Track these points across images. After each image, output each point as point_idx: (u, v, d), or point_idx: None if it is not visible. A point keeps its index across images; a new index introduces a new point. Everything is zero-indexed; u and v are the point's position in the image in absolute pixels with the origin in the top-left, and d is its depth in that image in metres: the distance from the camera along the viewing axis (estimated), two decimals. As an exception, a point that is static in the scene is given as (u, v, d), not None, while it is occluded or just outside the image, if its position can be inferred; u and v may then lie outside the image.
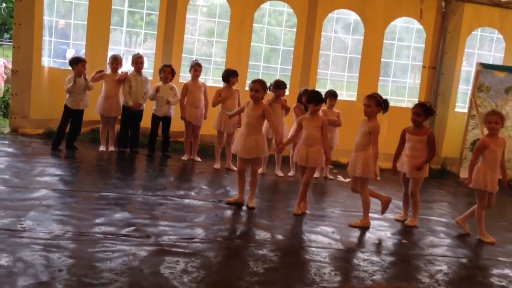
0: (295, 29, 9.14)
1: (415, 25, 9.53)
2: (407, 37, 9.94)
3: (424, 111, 5.82)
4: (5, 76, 9.96)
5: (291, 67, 9.14)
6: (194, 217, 5.25)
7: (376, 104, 5.62)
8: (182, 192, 6.13)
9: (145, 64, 8.45)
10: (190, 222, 5.09)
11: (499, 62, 9.61)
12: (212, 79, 8.67)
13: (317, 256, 4.59)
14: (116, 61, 7.94)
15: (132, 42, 9.80)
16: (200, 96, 7.89)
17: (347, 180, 7.69)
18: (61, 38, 9.56)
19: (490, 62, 9.51)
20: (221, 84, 7.87)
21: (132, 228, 4.69)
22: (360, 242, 5.20)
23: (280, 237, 5.04)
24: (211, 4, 10.34)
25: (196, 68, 7.85)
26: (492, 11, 9.48)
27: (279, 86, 7.33)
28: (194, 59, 8.20)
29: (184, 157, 7.97)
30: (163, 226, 4.86)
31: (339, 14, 9.49)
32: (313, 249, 4.77)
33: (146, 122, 7.98)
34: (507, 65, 9.33)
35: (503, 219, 6.59)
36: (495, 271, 4.75)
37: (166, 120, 7.98)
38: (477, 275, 4.65)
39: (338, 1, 9.12)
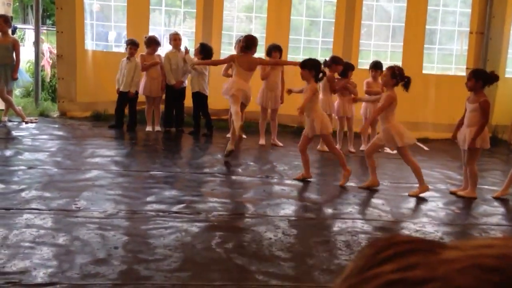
0: (335, 0, 8.95)
1: (461, -11, 9.18)
2: (452, 2, 9.59)
3: (474, 75, 5.58)
4: (50, 61, 10.19)
5: (332, 40, 8.98)
6: (243, 193, 5.28)
7: (391, 75, 5.53)
8: (229, 169, 6.17)
9: (186, 43, 8.46)
10: (239, 198, 5.12)
11: (551, 23, 9.16)
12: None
13: (368, 228, 4.54)
14: (153, 42, 7.99)
15: (171, 22, 9.82)
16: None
17: (394, 151, 7.56)
18: (101, 21, 9.68)
19: (541, 24, 9.08)
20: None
21: (182, 205, 4.76)
22: (412, 213, 5.13)
23: (329, 210, 5.01)
24: (248, -20, 10.25)
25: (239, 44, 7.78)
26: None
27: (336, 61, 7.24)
28: (240, 36, 8.12)
29: (229, 134, 7.98)
30: (212, 202, 4.91)
31: (381, -18, 9.23)
32: (363, 221, 4.73)
33: (188, 101, 8.03)
34: (560, 27, 8.89)
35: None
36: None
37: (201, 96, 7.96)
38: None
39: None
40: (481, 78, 5.57)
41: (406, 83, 5.57)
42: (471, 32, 9.10)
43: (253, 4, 9.38)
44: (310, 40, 9.42)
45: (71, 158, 6.16)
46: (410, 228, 4.65)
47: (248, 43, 6.56)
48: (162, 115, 8.17)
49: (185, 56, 7.66)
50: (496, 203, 5.53)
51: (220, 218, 4.51)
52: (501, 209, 5.37)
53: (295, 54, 8.75)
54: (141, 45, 7.95)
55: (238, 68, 6.52)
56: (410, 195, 5.52)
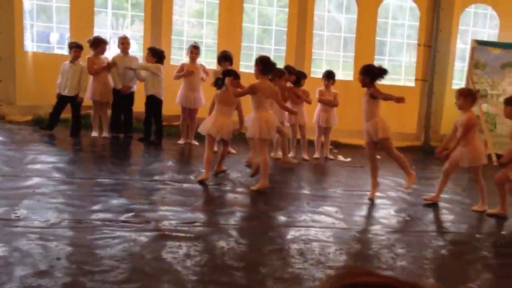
0: (287, 9, 8.97)
1: (408, 3, 9.39)
2: (401, 15, 9.81)
3: (461, 94, 5.56)
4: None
5: (285, 48, 8.98)
6: (195, 201, 5.12)
7: (364, 73, 5.50)
8: (180, 177, 5.99)
9: (134, 47, 8.25)
10: (191, 206, 4.96)
11: (493, 38, 9.51)
12: (205, 61, 8.49)
13: (322, 236, 4.48)
14: (101, 41, 7.74)
15: (119, 25, 9.56)
16: (198, 79, 7.72)
17: (348, 159, 7.62)
18: (42, 22, 9.28)
19: (485, 39, 9.41)
20: (213, 66, 7.69)
21: (131, 214, 4.55)
22: (365, 221, 5.11)
23: (283, 218, 4.92)
24: (199, -15, 10.12)
25: (192, 50, 7.69)
26: (485, -13, 9.37)
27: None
28: (193, 42, 7.99)
29: (181, 141, 7.81)
30: (162, 211, 4.72)
31: (332, -7, 9.33)
32: (317, 229, 4.66)
33: (139, 106, 7.79)
34: (502, 42, 9.23)
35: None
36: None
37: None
38: (481, 249, 4.58)
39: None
40: (470, 96, 5.57)
41: (374, 73, 5.53)
42: (419, 45, 9.33)
43: (204, 10, 9.26)
44: (263, 48, 9.38)
45: (10, 164, 5.81)
46: (362, 236, 4.63)
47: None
48: (110, 121, 7.89)
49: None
50: (444, 210, 5.61)
51: (171, 227, 4.33)
52: (450, 217, 5.44)
53: (248, 61, 8.67)
54: (85, 48, 7.65)
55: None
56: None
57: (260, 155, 5.68)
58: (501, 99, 8.91)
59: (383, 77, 5.57)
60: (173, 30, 8.89)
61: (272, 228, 4.63)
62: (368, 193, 5.80)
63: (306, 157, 7.53)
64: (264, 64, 5.64)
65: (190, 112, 7.82)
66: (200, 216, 4.71)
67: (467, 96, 5.49)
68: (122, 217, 4.43)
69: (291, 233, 4.54)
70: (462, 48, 9.84)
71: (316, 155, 7.61)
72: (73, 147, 7.17)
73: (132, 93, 7.83)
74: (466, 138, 5.43)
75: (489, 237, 4.96)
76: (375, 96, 5.48)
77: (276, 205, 5.37)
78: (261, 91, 5.57)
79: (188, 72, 7.58)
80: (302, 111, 7.42)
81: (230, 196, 5.48)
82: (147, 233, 4.12)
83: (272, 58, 8.86)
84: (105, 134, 7.75)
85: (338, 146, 8.39)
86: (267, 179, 5.65)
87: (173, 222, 4.45)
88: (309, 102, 7.42)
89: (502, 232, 5.14)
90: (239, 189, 5.72)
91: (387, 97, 5.49)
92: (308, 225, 4.78)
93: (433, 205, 5.73)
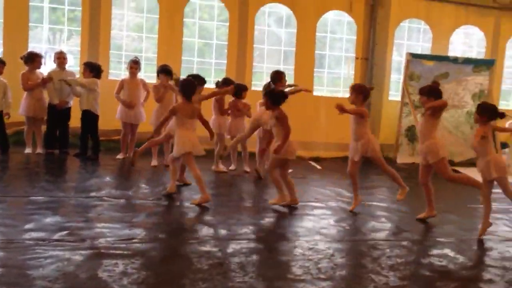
0: (227, 24, 9.02)
1: (346, 17, 9.64)
2: (339, 29, 10.05)
3: (353, 89, 5.71)
4: None
5: (226, 62, 9.01)
6: (133, 217, 5.00)
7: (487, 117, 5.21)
8: (118, 192, 5.84)
9: (72, 62, 8.06)
10: (129, 222, 4.83)
11: (427, 51, 9.89)
12: (144, 75, 8.39)
13: (262, 248, 4.46)
14: (35, 56, 7.52)
15: (56, 40, 9.33)
16: (138, 94, 7.62)
17: (290, 170, 7.63)
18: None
19: (419, 52, 9.77)
20: (153, 80, 7.61)
21: (65, 232, 4.38)
22: (305, 232, 5.13)
23: (223, 231, 4.88)
24: (139, -1, 10.02)
25: (131, 65, 7.60)
26: (418, 3, 9.76)
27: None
28: (134, 57, 7.88)
29: (120, 156, 7.65)
30: (99, 228, 4.58)
31: (271, 8, 9.46)
32: (257, 242, 4.64)
33: (75, 121, 7.58)
34: (435, 54, 9.62)
35: (439, 200, 6.71)
36: (435, 251, 4.79)
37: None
38: (419, 257, 4.68)
39: (269, -5, 9.09)
40: (362, 93, 5.68)
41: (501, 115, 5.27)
42: (356, 58, 9.58)
43: (143, 24, 9.17)
44: (204, 62, 9.37)
45: None
46: (303, 247, 4.64)
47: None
48: (44, 137, 7.63)
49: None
50: (383, 219, 5.72)
51: (107, 244, 4.20)
52: (388, 225, 5.54)
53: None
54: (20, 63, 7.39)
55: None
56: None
57: (191, 171, 5.73)
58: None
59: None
60: (112, 44, 8.75)
61: (213, 242, 4.57)
62: (309, 204, 5.85)
63: (247, 169, 7.53)
64: (183, 87, 5.79)
65: (132, 127, 7.70)
66: (138, 232, 4.59)
67: (359, 93, 5.60)
68: (56, 236, 4.26)
69: (232, 246, 4.49)
70: (397, 60, 10.18)
71: (232, 167, 7.67)
72: (4, 164, 6.87)
73: (69, 108, 7.62)
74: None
75: (422, 242, 5.09)
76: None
77: (217, 218, 5.32)
78: (180, 112, 5.69)
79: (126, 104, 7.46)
80: (242, 123, 7.44)
81: (169, 211, 5.39)
82: (82, 252, 3.98)
83: (213, 71, 8.96)
84: (39, 150, 7.49)
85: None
86: (205, 193, 5.64)
87: (109, 239, 4.32)
88: (249, 116, 7.45)
89: (439, 239, 5.27)
90: (179, 204, 5.64)
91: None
92: (249, 238, 4.75)
93: (372, 215, 5.83)
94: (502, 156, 8.86)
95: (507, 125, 7.82)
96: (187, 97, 5.76)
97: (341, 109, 5.38)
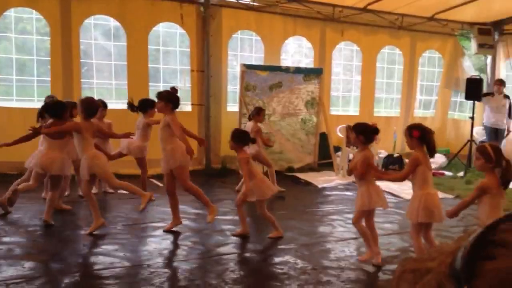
0: (49, 38, 8.27)
1: (178, 30, 9.45)
2: (171, 42, 9.82)
3: (158, 98, 5.43)
4: None
5: (50, 78, 8.25)
6: None
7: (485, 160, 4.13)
8: None
9: None
10: None
11: (260, 62, 10.09)
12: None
13: (100, 278, 4.01)
14: None
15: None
16: None
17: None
18: None
19: (253, 63, 9.92)
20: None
21: None
22: (147, 256, 4.75)
23: (56, 265, 4.32)
24: None
25: None
26: (248, 15, 9.91)
27: None
28: None
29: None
30: None
31: (97, 20, 8.91)
32: (96, 271, 4.18)
33: None
34: (268, 65, 9.84)
35: (282, 207, 6.78)
36: (276, 259, 4.76)
37: None
38: (262, 267, 4.61)
39: (94, 7, 8.50)
40: (170, 101, 5.38)
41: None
42: (192, 70, 9.42)
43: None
44: (23, 79, 8.49)
45: None
46: (143, 272, 4.28)
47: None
48: None
49: None
50: (228, 232, 5.54)
51: None
52: (233, 238, 5.40)
53: (5, 95, 7.74)
54: None
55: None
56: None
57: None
58: (272, 118, 9.48)
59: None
60: None
61: (43, 277, 4.01)
62: (152, 224, 5.50)
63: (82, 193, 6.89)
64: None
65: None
66: None
67: (167, 102, 5.33)
68: None
69: (65, 281, 3.99)
70: (233, 71, 10.25)
71: (94, 190, 7.01)
72: None
73: None
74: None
75: (264, 251, 5.03)
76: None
77: (51, 250, 4.73)
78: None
79: None
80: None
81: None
82: None
83: (35, 88, 8.15)
84: None
85: (121, 177, 7.88)
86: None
87: None
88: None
89: (281, 246, 5.25)
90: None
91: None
92: (84, 269, 4.27)
93: (217, 229, 5.64)
94: (337, 159, 9.33)
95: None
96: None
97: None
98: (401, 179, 4.62)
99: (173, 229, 5.52)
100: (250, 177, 5.21)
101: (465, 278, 0.53)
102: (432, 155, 4.40)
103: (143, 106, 6.74)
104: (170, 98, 5.35)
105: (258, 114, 7.56)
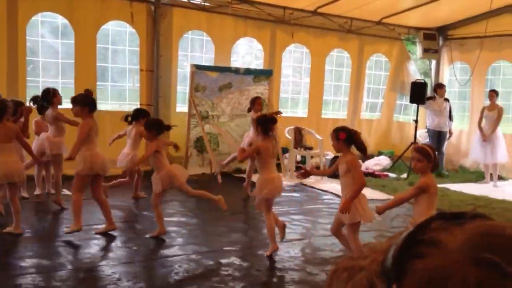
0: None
1: (128, 28, 9.37)
2: (121, 41, 9.72)
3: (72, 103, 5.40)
4: None
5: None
6: None
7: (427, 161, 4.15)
8: None
9: None
10: None
11: (210, 63, 10.12)
12: None
13: (42, 283, 3.99)
14: None
15: None
16: None
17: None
18: None
19: (203, 63, 9.95)
20: None
21: None
22: (91, 258, 4.75)
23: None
24: None
25: None
26: (199, 15, 9.92)
27: None
28: None
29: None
30: None
31: (45, 17, 8.73)
32: (34, 275, 4.15)
33: None
34: (218, 66, 9.89)
35: (228, 209, 6.85)
36: (222, 261, 4.83)
37: None
38: (207, 268, 4.67)
39: (42, 3, 8.32)
40: (87, 105, 5.33)
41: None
42: (141, 70, 9.36)
43: None
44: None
45: None
46: (87, 275, 4.28)
47: None
48: None
49: None
50: (174, 234, 5.59)
51: None
52: (179, 239, 5.45)
53: None
54: None
55: None
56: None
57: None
58: (221, 119, 9.55)
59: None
60: None
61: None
62: (97, 227, 5.47)
63: (25, 194, 6.75)
64: None
65: None
66: None
67: (84, 106, 5.26)
68: None
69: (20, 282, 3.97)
70: (183, 72, 10.24)
71: (37, 191, 6.92)
72: None
73: None
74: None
75: (210, 253, 5.11)
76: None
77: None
78: None
79: None
80: None
81: None
82: None
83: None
84: None
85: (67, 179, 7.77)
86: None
87: None
88: (27, 137, 6.71)
89: (227, 248, 5.33)
90: None
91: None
92: (26, 272, 4.23)
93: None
94: (285, 160, 9.47)
95: None
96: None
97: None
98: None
99: (111, 232, 5.46)
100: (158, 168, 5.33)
101: (395, 277, 0.54)
102: (364, 153, 4.55)
103: (136, 115, 6.80)
104: (85, 101, 5.32)
105: (253, 103, 7.65)
